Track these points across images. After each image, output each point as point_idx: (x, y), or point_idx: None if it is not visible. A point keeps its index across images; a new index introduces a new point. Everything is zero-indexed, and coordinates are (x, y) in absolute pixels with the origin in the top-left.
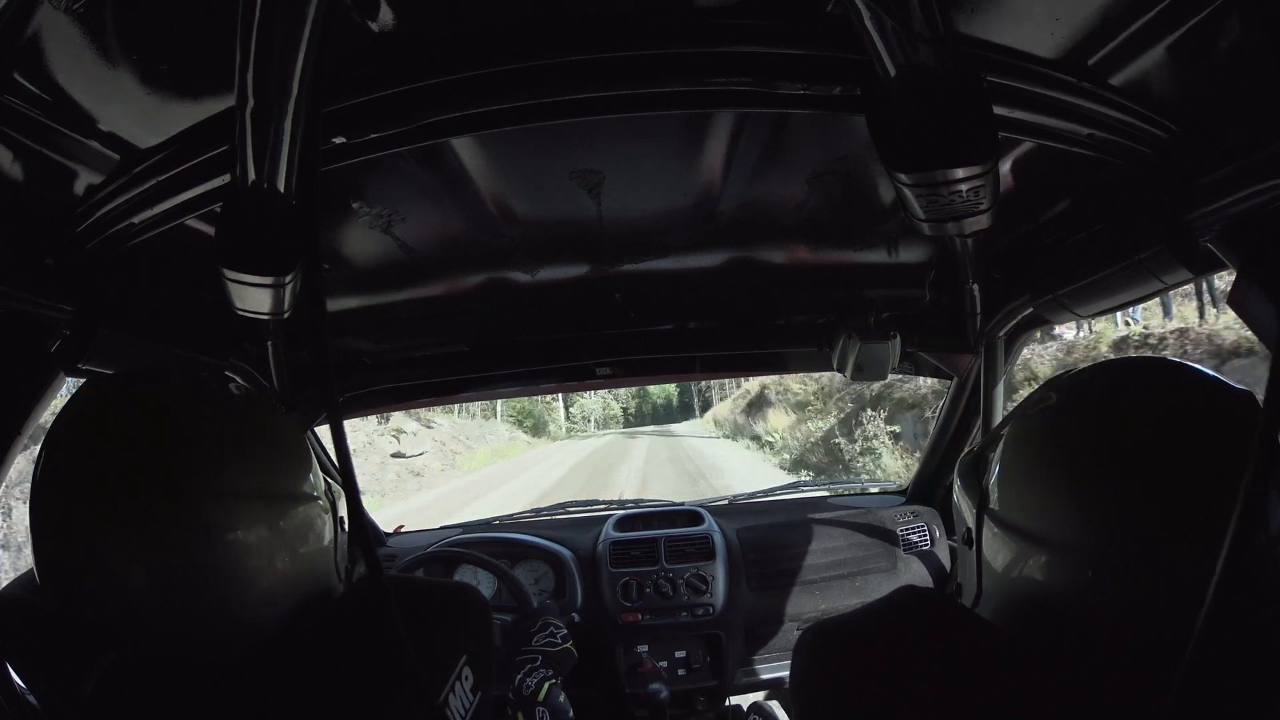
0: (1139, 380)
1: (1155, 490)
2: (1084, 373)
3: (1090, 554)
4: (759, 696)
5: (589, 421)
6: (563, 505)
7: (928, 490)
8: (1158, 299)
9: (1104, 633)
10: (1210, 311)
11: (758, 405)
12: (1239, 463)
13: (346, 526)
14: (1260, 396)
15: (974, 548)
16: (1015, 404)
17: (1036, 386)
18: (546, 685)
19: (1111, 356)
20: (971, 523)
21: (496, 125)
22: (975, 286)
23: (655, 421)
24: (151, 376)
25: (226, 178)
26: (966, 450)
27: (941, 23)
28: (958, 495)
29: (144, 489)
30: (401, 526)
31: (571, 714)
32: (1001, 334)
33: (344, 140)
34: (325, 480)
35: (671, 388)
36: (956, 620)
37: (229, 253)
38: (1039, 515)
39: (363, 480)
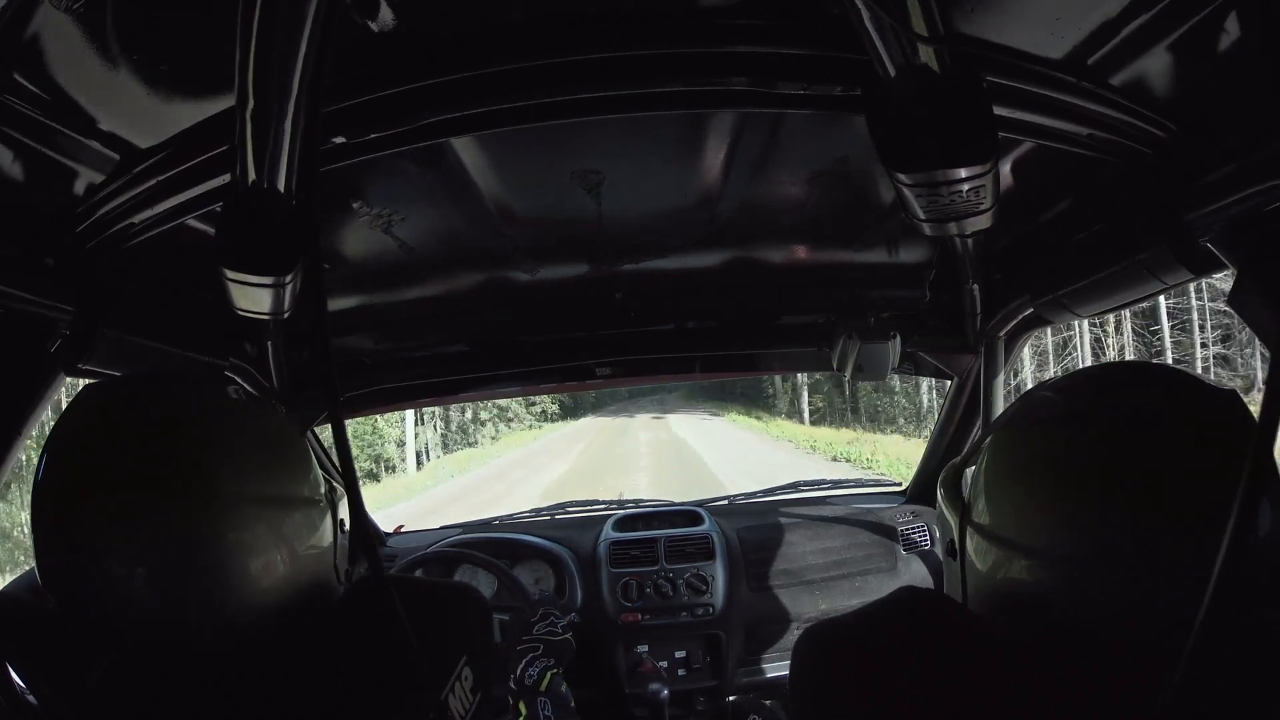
0: (1121, 385)
1: (1145, 493)
2: (1064, 380)
3: (1080, 558)
4: (759, 697)
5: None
6: (562, 505)
7: (928, 490)
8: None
9: (1098, 634)
10: None
11: None
12: (1227, 462)
13: (346, 527)
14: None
15: (958, 559)
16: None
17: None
18: (549, 675)
19: None
20: (955, 534)
21: (496, 125)
22: (975, 286)
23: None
24: (152, 379)
25: (227, 178)
26: (949, 465)
27: (941, 23)
28: (940, 506)
29: (145, 490)
30: (401, 526)
31: (573, 704)
32: (1001, 334)
33: (344, 140)
34: (326, 481)
35: None
36: (956, 621)
37: (229, 252)
38: (1025, 523)
39: None
